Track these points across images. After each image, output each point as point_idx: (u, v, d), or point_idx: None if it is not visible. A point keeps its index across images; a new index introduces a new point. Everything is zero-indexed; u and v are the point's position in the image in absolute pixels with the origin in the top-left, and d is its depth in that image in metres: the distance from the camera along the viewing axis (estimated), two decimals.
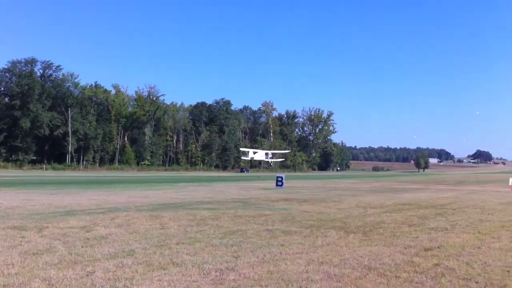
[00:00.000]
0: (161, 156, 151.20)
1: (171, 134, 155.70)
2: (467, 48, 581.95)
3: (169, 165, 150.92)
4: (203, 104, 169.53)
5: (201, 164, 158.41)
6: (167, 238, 11.76)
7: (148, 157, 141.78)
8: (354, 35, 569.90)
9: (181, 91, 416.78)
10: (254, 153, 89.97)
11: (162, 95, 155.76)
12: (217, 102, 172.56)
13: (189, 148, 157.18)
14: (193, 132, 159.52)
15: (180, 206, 21.02)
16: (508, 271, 8.63)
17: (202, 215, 17.38)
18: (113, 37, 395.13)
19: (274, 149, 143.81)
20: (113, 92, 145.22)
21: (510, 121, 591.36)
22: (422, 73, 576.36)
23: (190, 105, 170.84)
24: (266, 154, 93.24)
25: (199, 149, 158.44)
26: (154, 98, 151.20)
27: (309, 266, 8.80)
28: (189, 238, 11.84)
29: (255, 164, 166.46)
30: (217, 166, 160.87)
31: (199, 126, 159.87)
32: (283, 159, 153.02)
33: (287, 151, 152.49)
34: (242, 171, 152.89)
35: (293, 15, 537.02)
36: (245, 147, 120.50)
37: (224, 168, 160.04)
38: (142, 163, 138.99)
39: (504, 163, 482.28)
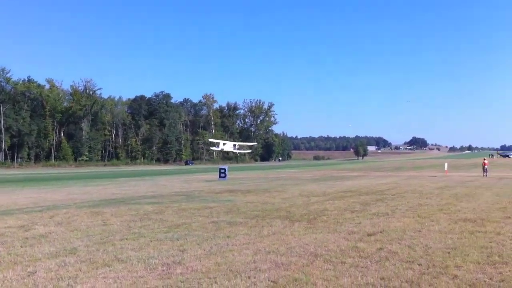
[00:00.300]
0: (100, 151, 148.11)
1: (109, 128, 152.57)
2: (402, 33, 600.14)
3: (108, 160, 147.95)
4: (142, 97, 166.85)
5: (142, 158, 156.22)
6: (110, 234, 11.48)
7: (86, 153, 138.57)
8: (292, 25, 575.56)
9: (119, 84, 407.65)
10: (224, 144, 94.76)
11: (99, 89, 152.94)
12: (156, 95, 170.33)
13: (128, 142, 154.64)
14: (133, 126, 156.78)
15: (122, 202, 20.60)
16: (449, 253, 8.92)
17: (145, 209, 17.10)
18: (46, 31, 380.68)
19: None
20: (47, 86, 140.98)
21: (443, 109, 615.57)
22: (358, 62, 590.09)
23: (129, 99, 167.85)
24: (234, 145, 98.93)
25: (139, 143, 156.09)
26: (91, 92, 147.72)
27: (257, 256, 8.79)
28: (133, 233, 11.59)
29: (225, 156, 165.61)
30: (158, 160, 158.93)
31: (138, 120, 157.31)
32: (250, 151, 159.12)
33: (254, 143, 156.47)
34: (186, 163, 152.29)
35: (231, 7, 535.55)
36: (211, 139, 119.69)
37: (166, 161, 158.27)
38: (80, 158, 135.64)
39: (438, 149, 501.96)
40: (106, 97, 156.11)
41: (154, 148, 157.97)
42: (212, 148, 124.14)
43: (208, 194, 24.45)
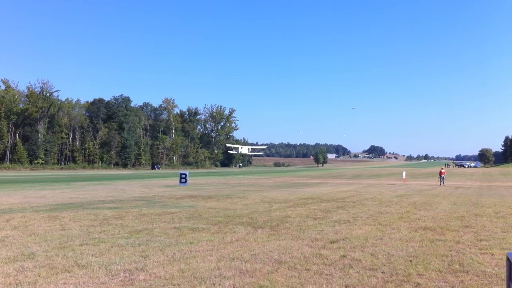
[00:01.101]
0: (56, 154, 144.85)
1: (66, 131, 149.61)
2: (359, 41, 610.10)
3: (65, 164, 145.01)
4: (100, 100, 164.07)
5: (100, 162, 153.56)
6: (69, 239, 11.18)
7: (42, 156, 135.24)
8: (253, 32, 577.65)
9: (78, 87, 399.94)
10: (241, 148, 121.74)
11: (56, 91, 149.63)
12: (115, 99, 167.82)
13: (86, 145, 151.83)
14: (91, 129, 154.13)
15: (80, 206, 20.15)
16: (411, 261, 9.02)
17: (104, 214, 16.78)
18: (2, 31, 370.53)
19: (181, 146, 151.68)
20: (3, 87, 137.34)
21: (400, 118, 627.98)
22: (318, 71, 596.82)
23: (87, 102, 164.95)
24: (248, 149, 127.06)
25: (97, 147, 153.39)
26: (48, 94, 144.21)
27: (221, 263, 8.70)
28: (92, 239, 11.32)
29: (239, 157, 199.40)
30: (116, 164, 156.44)
31: (96, 123, 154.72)
32: (261, 153, 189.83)
33: (263, 147, 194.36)
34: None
35: (194, 13, 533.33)
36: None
37: (125, 166, 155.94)
38: (36, 161, 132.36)
39: (396, 158, 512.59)
40: (63, 99, 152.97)
41: (112, 152, 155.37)
42: (230, 152, 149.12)
43: (169, 200, 24.19)
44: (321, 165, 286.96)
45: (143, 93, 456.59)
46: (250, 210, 18.67)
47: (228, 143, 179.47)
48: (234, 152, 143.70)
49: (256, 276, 7.75)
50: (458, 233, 12.61)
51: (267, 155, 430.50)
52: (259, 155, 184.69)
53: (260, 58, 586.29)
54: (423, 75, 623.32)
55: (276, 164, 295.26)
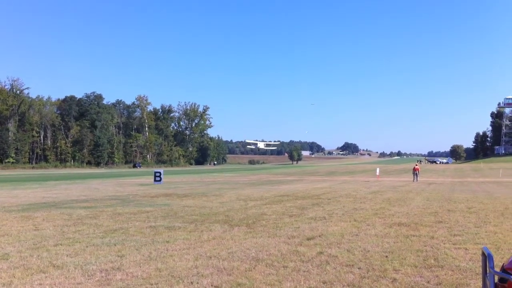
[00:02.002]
0: (27, 153, 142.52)
1: (37, 129, 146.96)
2: (332, 39, 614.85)
3: (36, 163, 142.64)
4: (72, 98, 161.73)
5: (72, 161, 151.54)
6: (43, 239, 11.02)
7: (13, 155, 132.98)
8: (227, 29, 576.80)
9: (49, 84, 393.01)
10: (259, 143, 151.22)
11: (26, 88, 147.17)
12: (87, 96, 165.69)
13: (58, 144, 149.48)
14: (62, 128, 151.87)
15: (53, 206, 19.87)
16: (387, 256, 9.12)
17: (78, 214, 16.59)
18: None
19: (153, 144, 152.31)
20: None
21: (373, 115, 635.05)
22: (291, 68, 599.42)
23: (59, 99, 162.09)
24: (265, 144, 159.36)
25: (69, 145, 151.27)
26: (18, 92, 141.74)
27: (198, 261, 8.67)
28: (67, 239, 11.18)
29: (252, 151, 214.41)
30: (89, 163, 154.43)
31: (68, 121, 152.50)
32: (275, 147, 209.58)
33: (277, 142, 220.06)
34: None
35: (167, 7, 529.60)
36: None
37: (97, 164, 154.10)
38: (6, 161, 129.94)
39: (369, 154, 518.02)
40: (34, 97, 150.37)
41: (85, 151, 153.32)
42: (249, 147, 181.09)
43: (144, 198, 24.02)
44: (295, 162, 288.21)
45: (116, 90, 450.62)
46: (226, 208, 18.65)
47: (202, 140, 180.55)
48: (252, 147, 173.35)
49: (234, 274, 7.75)
50: (432, 228, 12.80)
51: (242, 153, 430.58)
52: (274, 149, 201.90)
53: (235, 55, 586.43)
54: (396, 72, 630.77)
55: (251, 162, 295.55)
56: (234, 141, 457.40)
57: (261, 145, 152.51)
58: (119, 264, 8.46)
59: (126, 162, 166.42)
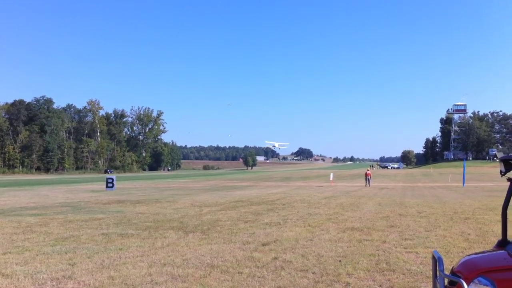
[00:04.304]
0: None
1: None
2: (282, 44, 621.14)
3: None
4: (21, 102, 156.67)
5: (20, 166, 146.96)
6: None
7: None
8: (181, 34, 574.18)
9: None
10: (276, 144, 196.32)
11: None
12: (37, 100, 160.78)
13: (5, 149, 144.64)
14: (11, 132, 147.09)
15: (1, 213, 19.34)
16: (340, 261, 9.25)
17: (27, 221, 16.15)
18: None
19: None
20: None
21: (327, 121, 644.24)
22: (243, 72, 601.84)
23: (6, 103, 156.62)
24: (279, 145, 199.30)
25: (17, 151, 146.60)
26: None
27: (152, 269, 8.57)
28: (16, 247, 10.87)
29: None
30: (38, 169, 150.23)
31: (17, 126, 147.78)
32: (285, 146, 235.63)
33: (287, 143, 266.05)
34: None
35: (116, 9, 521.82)
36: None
37: (47, 170, 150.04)
38: None
39: (323, 160, 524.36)
40: None
41: (34, 156, 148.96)
42: (269, 147, 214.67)
43: (96, 205, 23.58)
44: (250, 168, 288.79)
45: (67, 94, 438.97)
46: (180, 215, 18.51)
47: (155, 145, 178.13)
48: (270, 146, 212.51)
49: (189, 281, 7.71)
50: (384, 233, 13.06)
51: (196, 158, 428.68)
52: (284, 148, 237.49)
53: (187, 60, 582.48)
54: (348, 79, 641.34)
55: (206, 167, 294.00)
56: (188, 146, 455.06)
57: (277, 145, 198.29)
58: (70, 272, 8.28)
59: (77, 168, 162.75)
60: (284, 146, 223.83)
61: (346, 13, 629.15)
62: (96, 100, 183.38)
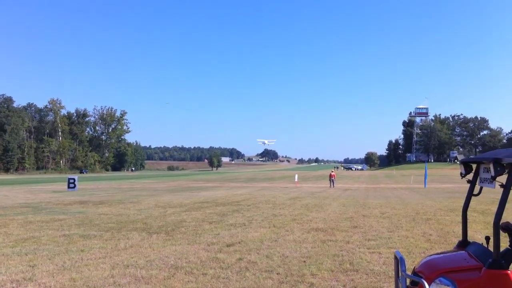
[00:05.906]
0: None
1: None
2: (247, 45, 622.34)
3: None
4: None
5: None
6: None
7: None
8: (147, 31, 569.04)
9: None
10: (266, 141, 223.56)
11: None
12: None
13: None
14: None
15: None
16: (304, 261, 9.30)
17: None
18: None
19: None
20: None
21: (291, 122, 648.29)
22: (208, 73, 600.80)
23: None
24: (268, 141, 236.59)
25: None
26: None
27: (114, 270, 8.45)
28: None
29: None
30: None
31: None
32: (272, 143, 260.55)
33: (274, 140, 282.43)
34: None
35: (79, 6, 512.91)
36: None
37: (6, 170, 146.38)
38: None
39: (288, 161, 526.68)
40: None
41: None
42: (259, 144, 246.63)
43: (57, 206, 23.14)
44: (215, 168, 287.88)
45: (27, 93, 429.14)
46: (144, 216, 18.33)
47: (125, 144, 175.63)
48: (260, 143, 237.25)
49: (152, 283, 7.63)
50: (347, 233, 13.18)
51: (161, 159, 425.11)
52: (272, 144, 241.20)
53: (151, 59, 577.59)
54: (312, 81, 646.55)
55: (170, 168, 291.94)
56: (153, 146, 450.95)
57: (267, 142, 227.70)
58: (30, 274, 8.11)
59: (38, 168, 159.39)
60: (272, 142, 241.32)
61: (308, 19, 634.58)
62: (57, 99, 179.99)
